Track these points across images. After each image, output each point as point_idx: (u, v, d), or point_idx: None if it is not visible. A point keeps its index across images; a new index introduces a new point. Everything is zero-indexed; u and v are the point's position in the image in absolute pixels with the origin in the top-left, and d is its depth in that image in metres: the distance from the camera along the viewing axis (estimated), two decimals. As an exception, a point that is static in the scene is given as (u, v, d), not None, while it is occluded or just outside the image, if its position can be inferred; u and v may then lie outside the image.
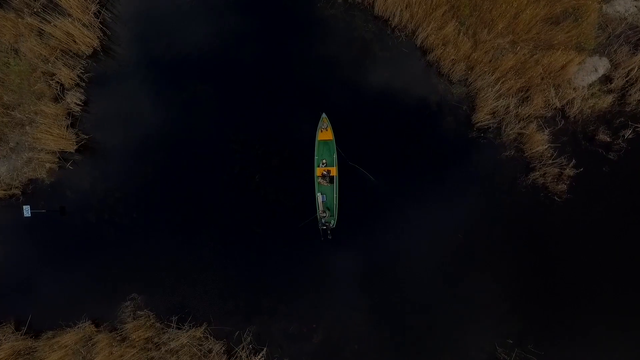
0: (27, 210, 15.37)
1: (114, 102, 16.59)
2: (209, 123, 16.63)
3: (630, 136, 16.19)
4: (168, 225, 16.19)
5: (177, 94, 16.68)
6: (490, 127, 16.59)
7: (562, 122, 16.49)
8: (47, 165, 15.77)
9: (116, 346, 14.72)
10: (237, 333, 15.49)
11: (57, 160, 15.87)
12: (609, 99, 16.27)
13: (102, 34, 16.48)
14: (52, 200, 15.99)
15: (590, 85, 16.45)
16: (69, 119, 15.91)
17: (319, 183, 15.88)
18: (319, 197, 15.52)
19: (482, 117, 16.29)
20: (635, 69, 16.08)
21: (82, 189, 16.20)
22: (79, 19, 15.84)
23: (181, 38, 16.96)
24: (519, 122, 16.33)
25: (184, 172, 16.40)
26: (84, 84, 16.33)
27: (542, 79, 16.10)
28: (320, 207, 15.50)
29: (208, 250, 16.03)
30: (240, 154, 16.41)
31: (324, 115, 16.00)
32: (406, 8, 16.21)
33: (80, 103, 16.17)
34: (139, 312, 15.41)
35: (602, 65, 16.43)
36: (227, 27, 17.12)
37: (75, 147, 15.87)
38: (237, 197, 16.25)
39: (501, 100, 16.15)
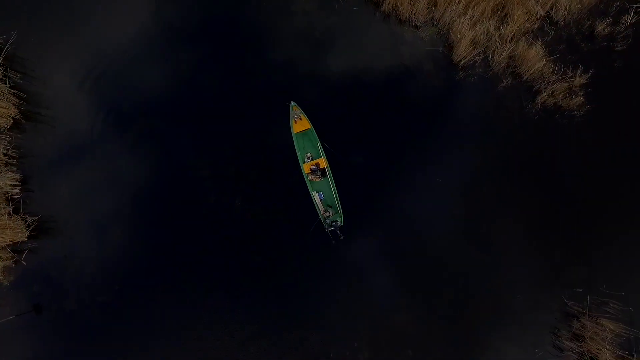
0: (-10, 324, 13.02)
1: (55, 168, 14.43)
2: (165, 159, 14.49)
3: (632, 20, 14.42)
4: (158, 287, 13.86)
5: (121, 137, 14.56)
6: (476, 61, 14.81)
7: (553, 29, 14.68)
8: (0, 265, 13.37)
9: None
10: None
11: (10, 256, 13.54)
12: (596, -15, 14.43)
13: (17, 99, 14.28)
14: (20, 302, 13.62)
15: (570, -23, 14.56)
16: (9, 205, 13.66)
17: (310, 181, 13.87)
18: (316, 197, 13.56)
19: (463, 52, 14.43)
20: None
21: (50, 277, 13.86)
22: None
23: (108, 74, 14.91)
24: (506, 44, 14.41)
25: (156, 221, 14.21)
26: (14, 161, 14.10)
27: (515, -12, 14.20)
28: (321, 207, 13.53)
29: (212, 301, 13.68)
30: (210, 180, 14.25)
31: (293, 103, 14.12)
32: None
33: (16, 183, 13.91)
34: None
35: (576, -49, 14.50)
36: (156, 56, 15.14)
37: (26, 235, 13.66)
38: (224, 231, 14.04)
39: (478, 26, 14.31)
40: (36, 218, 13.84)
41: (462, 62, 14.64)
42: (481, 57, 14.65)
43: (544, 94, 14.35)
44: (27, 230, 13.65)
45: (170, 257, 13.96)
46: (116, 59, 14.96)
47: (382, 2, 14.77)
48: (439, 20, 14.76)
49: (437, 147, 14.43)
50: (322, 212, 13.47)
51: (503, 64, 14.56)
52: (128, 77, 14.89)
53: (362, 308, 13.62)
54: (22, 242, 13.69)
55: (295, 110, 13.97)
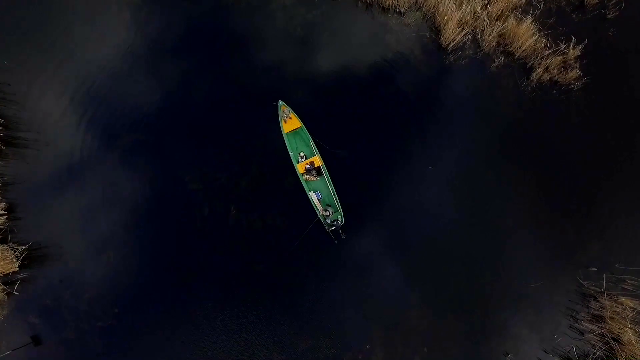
0: (-12, 363, 12.49)
1: (41, 193, 13.87)
2: (154, 175, 13.94)
3: (622, -16, 13.88)
4: (160, 307, 13.26)
5: (106, 157, 14.03)
6: (465, 43, 14.40)
7: (542, 3, 14.28)
8: (-8, 298, 12.88)
9: None
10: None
11: (1, 288, 12.97)
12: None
13: (-5, 126, 13.77)
14: (17, 335, 13.00)
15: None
16: (-4, 235, 13.14)
17: (306, 181, 13.35)
18: (313, 197, 13.06)
19: (450, 35, 14.01)
20: None
21: (47, 307, 13.25)
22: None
23: (90, 92, 14.40)
24: (494, 23, 13.98)
25: (150, 240, 13.62)
26: (-2, 190, 13.57)
27: (499, -37, 13.77)
28: (319, 207, 13.03)
29: (217, 318, 13.05)
30: (202, 191, 13.69)
31: (281, 102, 13.62)
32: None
33: (2, 212, 13.36)
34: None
35: None
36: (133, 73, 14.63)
37: (17, 265, 13.09)
38: (222, 243, 13.45)
39: (464, 6, 13.95)
40: (26, 246, 13.29)
41: (451, 45, 14.18)
42: (470, 38, 14.22)
43: (539, 70, 13.92)
44: (17, 260, 13.07)
45: (169, 275, 13.37)
46: (97, 77, 14.48)
47: (363, -10, 14.34)
48: (423, 4, 14.32)
49: (433, 134, 13.93)
50: (321, 212, 12.95)
51: (493, 43, 14.12)
52: (110, 95, 14.39)
53: (372, 308, 13.06)
54: (13, 272, 13.10)
55: (283, 109, 13.47)
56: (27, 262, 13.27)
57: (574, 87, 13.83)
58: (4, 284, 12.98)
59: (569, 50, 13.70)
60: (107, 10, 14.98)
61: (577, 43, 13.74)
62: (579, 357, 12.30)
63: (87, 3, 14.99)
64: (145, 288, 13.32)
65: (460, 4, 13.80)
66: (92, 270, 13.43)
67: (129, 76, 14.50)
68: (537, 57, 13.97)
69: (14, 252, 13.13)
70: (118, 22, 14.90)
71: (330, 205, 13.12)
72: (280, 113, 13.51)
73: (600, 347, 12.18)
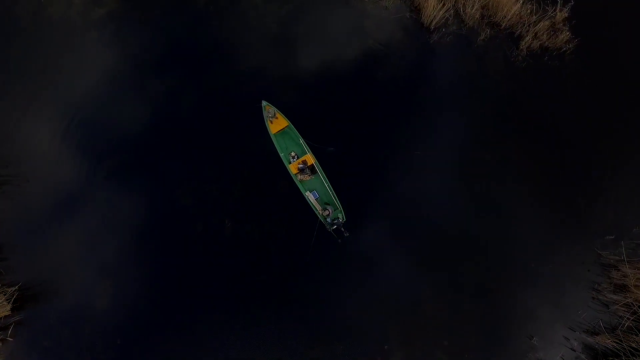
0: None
1: (27, 230, 13.23)
2: (143, 195, 13.33)
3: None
4: (163, 333, 12.60)
5: (91, 183, 13.41)
6: (447, 19, 14.01)
7: (522, -33, 13.69)
8: (-16, 348, 12.27)
9: None
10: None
11: (-5, 334, 12.42)
12: None
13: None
14: (15, 383, 12.42)
15: None
16: (-18, 280, 12.52)
17: (300, 181, 12.78)
18: (310, 197, 12.50)
19: (431, 12, 13.62)
20: None
21: (45, 348, 12.57)
22: None
23: (73, 122, 13.80)
24: (476, -6, 13.46)
25: (146, 267, 12.97)
26: (-20, 230, 12.97)
27: None
28: (318, 207, 12.46)
29: (225, 338, 12.40)
30: (194, 207, 13.09)
31: (264, 103, 13.06)
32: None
33: (-15, 254, 12.76)
34: None
35: None
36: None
37: (9, 308, 12.42)
38: (220, 259, 12.84)
39: (442, -19, 13.28)
40: (16, 287, 12.63)
41: (434, 23, 13.76)
42: (452, 13, 13.81)
43: (527, 37, 13.53)
44: (9, 303, 12.41)
45: (170, 300, 12.74)
46: (75, 106, 13.89)
47: (335, -24, 13.82)
48: (399, -17, 13.83)
49: (426, 118, 13.45)
50: (320, 212, 12.39)
51: (477, 16, 13.70)
52: (90, 123, 13.80)
53: (385, 306, 12.48)
54: (6, 317, 12.46)
55: (268, 109, 12.90)
56: (20, 303, 12.59)
57: (566, 50, 13.43)
58: (-1, 329, 12.38)
59: (556, 14, 13.33)
60: (79, 38, 14.40)
61: (564, 4, 13.36)
62: (607, 331, 11.75)
63: (59, 31, 14.41)
64: (147, 316, 12.69)
65: (438, -21, 13.31)
66: (90, 302, 12.77)
67: (107, 101, 13.90)
68: (524, 25, 13.56)
69: (4, 294, 12.44)
70: (96, 50, 14.35)
71: (329, 204, 12.53)
72: (265, 114, 12.93)
73: (628, 317, 11.64)
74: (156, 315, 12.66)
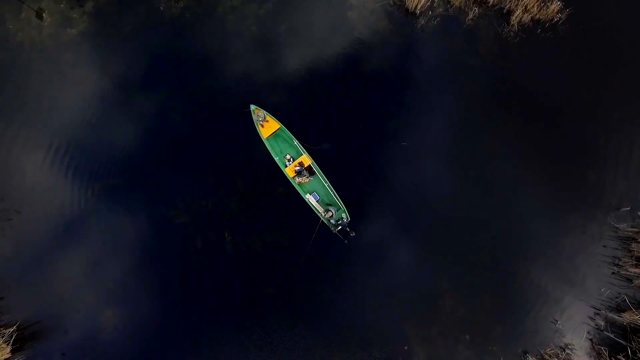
0: None
1: (19, 265, 12.78)
2: (138, 216, 12.94)
3: None
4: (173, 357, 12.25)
5: (83, 211, 13.00)
6: (433, 2, 13.71)
7: (503, -62, 13.41)
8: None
9: None
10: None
11: (-5, 380, 12.03)
12: None
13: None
14: None
15: None
16: (-20, 321, 12.13)
17: (299, 184, 12.39)
18: (311, 199, 12.11)
19: None
20: None
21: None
22: None
23: (60, 150, 13.35)
24: (460, -27, 13.09)
25: (148, 290, 12.60)
26: (-29, 271, 12.54)
27: None
28: (320, 209, 12.06)
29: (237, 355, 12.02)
30: (191, 224, 12.70)
31: (253, 107, 12.69)
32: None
33: (-19, 294, 12.35)
34: None
35: None
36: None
37: (9, 350, 11.95)
38: (223, 275, 12.47)
39: (424, -39, 12.92)
40: (15, 327, 12.19)
41: (419, 7, 13.41)
42: (438, -6, 13.37)
43: (517, 12, 13.19)
44: (8, 345, 11.99)
45: (175, 323, 12.39)
46: (63, 131, 13.47)
47: (314, -30, 13.41)
48: (379, -31, 13.46)
49: (420, 105, 13.12)
50: (323, 214, 12.00)
51: (464, -5, 13.28)
52: (78, 148, 13.42)
53: (401, 305, 12.11)
54: (6, 359, 12.00)
55: (257, 113, 12.49)
56: (20, 343, 12.18)
57: (558, 21, 13.12)
58: (0, 373, 11.95)
59: (545, -16, 12.89)
60: (55, 62, 13.91)
61: (552, -26, 12.95)
62: (632, 306, 11.31)
63: (32, 56, 13.91)
64: (153, 341, 12.32)
65: (419, -40, 12.90)
66: (95, 333, 12.39)
67: (92, 123, 13.53)
68: (512, 0, 13.16)
69: (2, 336, 12.01)
70: (69, 70, 13.88)
71: (331, 205, 12.15)
72: (254, 118, 12.51)
73: (653, 289, 11.26)
74: (161, 340, 12.34)
